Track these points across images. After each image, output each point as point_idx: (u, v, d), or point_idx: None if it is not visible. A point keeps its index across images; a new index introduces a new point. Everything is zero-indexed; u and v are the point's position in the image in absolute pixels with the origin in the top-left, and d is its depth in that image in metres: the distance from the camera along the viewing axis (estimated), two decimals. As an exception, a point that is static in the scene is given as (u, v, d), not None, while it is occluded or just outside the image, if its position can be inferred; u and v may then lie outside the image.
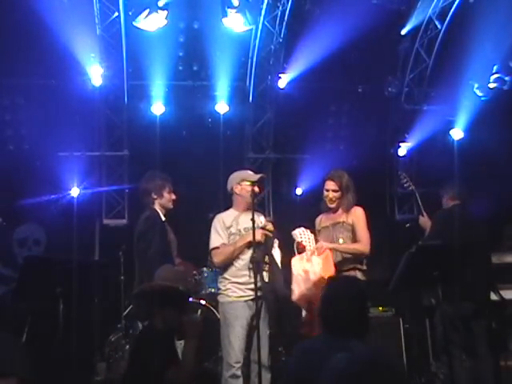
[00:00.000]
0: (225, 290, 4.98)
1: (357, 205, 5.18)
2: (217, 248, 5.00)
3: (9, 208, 8.01)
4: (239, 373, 4.80)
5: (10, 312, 5.69)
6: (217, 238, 5.02)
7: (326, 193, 5.17)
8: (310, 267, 4.89)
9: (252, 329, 4.86)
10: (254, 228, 4.71)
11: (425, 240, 5.45)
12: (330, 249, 4.98)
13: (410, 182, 6.34)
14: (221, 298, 5.04)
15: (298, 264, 4.99)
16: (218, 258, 5.02)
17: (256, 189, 5.03)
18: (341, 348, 2.85)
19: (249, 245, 4.84)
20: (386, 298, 6.67)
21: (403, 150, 9.36)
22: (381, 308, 6.74)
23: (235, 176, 5.19)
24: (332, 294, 3.13)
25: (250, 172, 5.33)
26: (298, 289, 4.93)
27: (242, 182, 5.10)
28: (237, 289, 4.92)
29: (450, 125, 8.88)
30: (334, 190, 5.10)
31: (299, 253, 5.03)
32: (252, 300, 4.87)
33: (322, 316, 3.08)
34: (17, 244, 8.58)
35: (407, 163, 9.55)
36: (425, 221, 5.80)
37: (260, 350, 4.55)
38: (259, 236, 4.83)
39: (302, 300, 4.93)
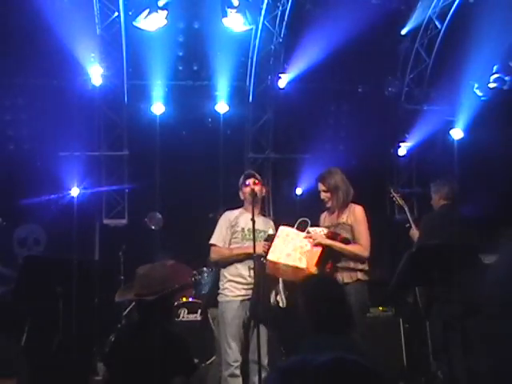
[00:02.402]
0: (223, 290, 4.99)
1: (356, 203, 5.15)
2: (214, 245, 5.03)
3: (9, 208, 8.01)
4: (238, 372, 4.81)
5: (10, 312, 5.69)
6: (217, 235, 5.03)
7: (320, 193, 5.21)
8: (300, 246, 4.82)
9: (250, 328, 4.87)
10: (253, 228, 4.71)
11: (415, 246, 5.44)
12: (328, 245, 4.90)
13: (398, 199, 6.36)
14: (219, 298, 5.04)
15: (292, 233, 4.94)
16: (213, 256, 5.07)
17: (250, 189, 5.03)
18: (327, 344, 3.02)
19: (247, 256, 4.84)
20: (386, 298, 6.67)
21: (403, 149, 9.37)
22: (381, 308, 6.74)
23: (240, 180, 5.24)
24: (311, 294, 3.37)
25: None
26: (275, 252, 4.85)
27: (241, 186, 5.15)
28: (234, 288, 4.92)
29: (450, 125, 8.88)
30: (323, 191, 5.12)
31: None
32: (250, 300, 4.87)
33: (308, 316, 3.30)
34: (17, 244, 8.58)
35: (407, 163, 9.57)
36: (414, 233, 5.82)
37: (260, 349, 4.55)
38: (261, 248, 4.82)
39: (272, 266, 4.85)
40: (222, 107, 8.76)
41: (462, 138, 8.78)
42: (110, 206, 8.87)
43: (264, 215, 5.43)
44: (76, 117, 8.21)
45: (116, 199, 8.87)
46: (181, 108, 8.83)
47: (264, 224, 5.13)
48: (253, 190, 4.98)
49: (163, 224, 7.92)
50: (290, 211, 8.47)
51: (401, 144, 9.35)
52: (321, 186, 5.12)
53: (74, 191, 8.05)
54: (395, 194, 6.45)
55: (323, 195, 5.11)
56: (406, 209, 6.19)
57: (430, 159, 8.77)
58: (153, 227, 7.89)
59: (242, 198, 5.18)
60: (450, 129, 8.87)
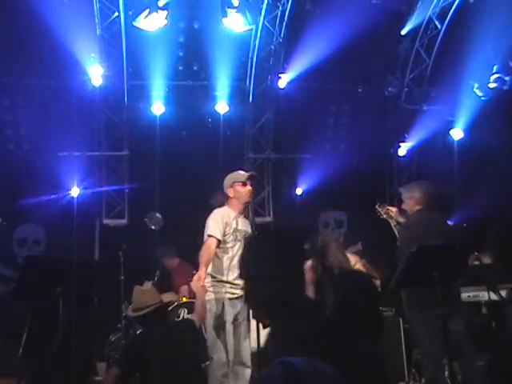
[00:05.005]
0: (211, 287, 4.92)
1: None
2: (213, 237, 4.92)
3: (9, 208, 8.01)
4: (229, 372, 4.78)
5: (9, 312, 5.69)
6: (215, 228, 4.94)
7: None
8: None
9: (236, 327, 4.87)
10: (253, 227, 4.72)
11: (397, 254, 5.33)
12: None
13: (383, 214, 6.24)
14: (207, 296, 4.92)
15: None
16: (206, 249, 4.91)
17: (249, 187, 5.02)
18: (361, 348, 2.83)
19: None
20: (386, 298, 6.66)
21: (403, 150, 9.37)
22: (381, 308, 6.72)
23: (227, 179, 5.18)
24: (346, 290, 3.09)
25: (241, 172, 5.30)
26: None
27: (234, 184, 5.09)
28: (222, 287, 4.88)
29: (450, 125, 8.88)
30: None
31: None
32: (237, 298, 4.86)
33: (340, 316, 3.04)
34: (17, 244, 8.58)
35: (407, 163, 9.57)
36: None
37: (259, 345, 4.53)
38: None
39: None
40: (222, 107, 8.76)
41: (462, 138, 8.77)
42: (110, 206, 8.87)
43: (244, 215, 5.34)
44: (76, 117, 8.20)
45: (116, 199, 8.87)
46: (181, 108, 8.82)
47: (247, 224, 5.11)
48: (252, 191, 4.98)
49: (163, 224, 7.92)
50: (290, 211, 8.48)
51: (401, 144, 9.35)
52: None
53: (74, 191, 8.05)
54: (379, 209, 6.12)
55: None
56: (392, 224, 5.99)
57: (430, 159, 8.76)
58: (153, 227, 7.89)
59: (230, 195, 5.10)
60: (450, 129, 8.87)
